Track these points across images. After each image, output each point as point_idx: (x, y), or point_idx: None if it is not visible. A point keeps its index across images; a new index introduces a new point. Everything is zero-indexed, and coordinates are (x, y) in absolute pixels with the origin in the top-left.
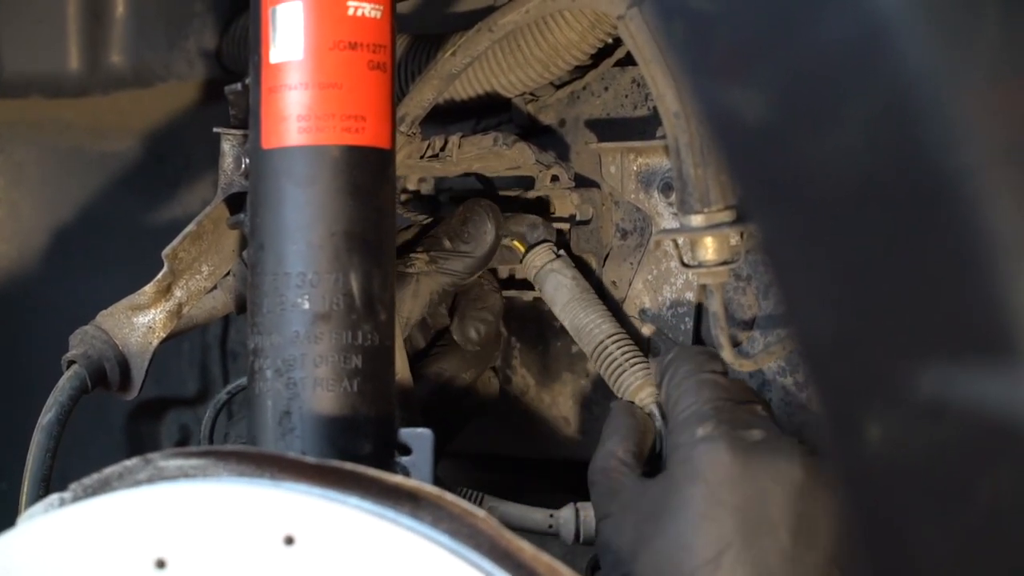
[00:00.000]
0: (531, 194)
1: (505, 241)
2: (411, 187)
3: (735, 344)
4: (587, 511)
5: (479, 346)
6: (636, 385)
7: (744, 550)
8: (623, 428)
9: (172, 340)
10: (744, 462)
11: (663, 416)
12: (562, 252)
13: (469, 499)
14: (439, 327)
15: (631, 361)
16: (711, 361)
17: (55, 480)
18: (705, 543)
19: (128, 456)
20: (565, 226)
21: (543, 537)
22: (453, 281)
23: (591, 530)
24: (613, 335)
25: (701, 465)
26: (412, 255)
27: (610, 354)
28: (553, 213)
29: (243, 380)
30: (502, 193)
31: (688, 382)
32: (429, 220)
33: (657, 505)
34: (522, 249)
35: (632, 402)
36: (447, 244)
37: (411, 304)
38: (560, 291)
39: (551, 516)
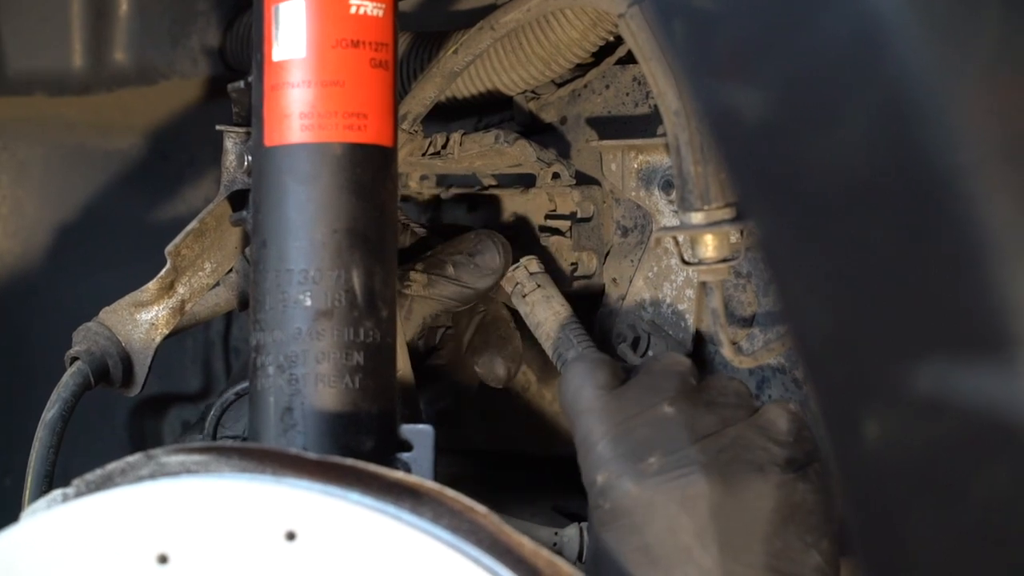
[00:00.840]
0: (531, 191)
1: None
2: (413, 184)
3: (734, 341)
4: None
5: (503, 384)
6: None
7: None
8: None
9: (175, 337)
10: (647, 497)
11: None
12: (534, 268)
13: None
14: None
15: (575, 340)
16: (595, 369)
17: (58, 476)
18: None
19: (131, 452)
20: (566, 223)
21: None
22: (447, 309)
23: None
24: (565, 323)
25: (608, 513)
26: (411, 273)
27: (555, 339)
28: (554, 211)
29: (225, 398)
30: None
31: (580, 416)
32: (424, 233)
33: (590, 553)
34: None
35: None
36: (450, 270)
37: (403, 327)
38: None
39: (556, 534)
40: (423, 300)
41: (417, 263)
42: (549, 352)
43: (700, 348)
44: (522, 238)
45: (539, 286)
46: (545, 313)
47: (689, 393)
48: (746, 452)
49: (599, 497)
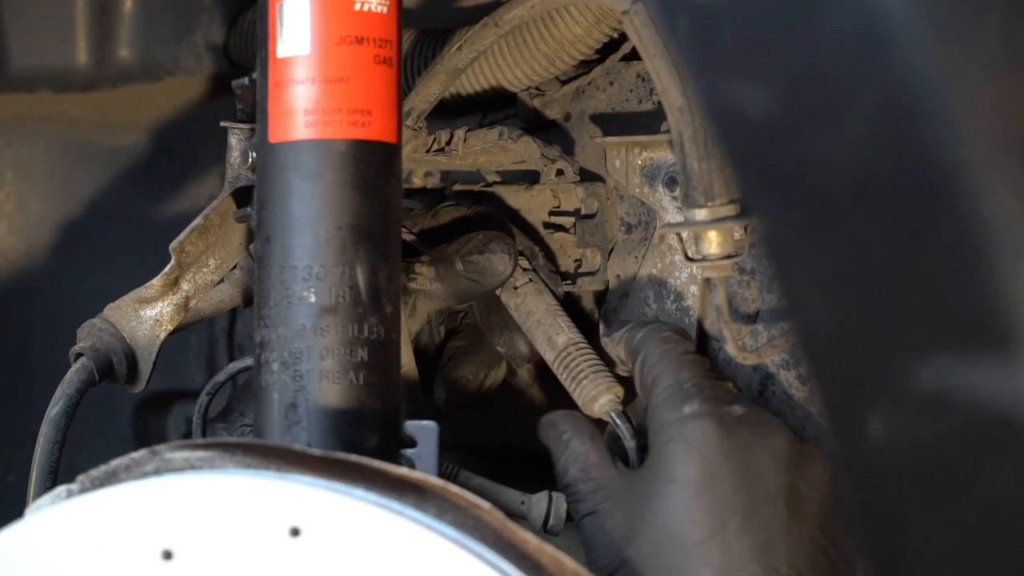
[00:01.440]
0: (535, 188)
1: None
2: (417, 181)
3: (738, 338)
4: (561, 501)
5: (527, 362)
6: (597, 391)
7: (747, 520)
8: (580, 431)
9: (179, 333)
10: (735, 436)
11: (627, 419)
12: (526, 267)
13: (444, 470)
14: (450, 329)
15: (592, 367)
16: (683, 340)
17: (62, 472)
18: (707, 515)
19: (135, 448)
20: (570, 220)
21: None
22: (450, 306)
23: (561, 520)
24: (575, 343)
25: (693, 440)
26: (417, 266)
27: (571, 361)
28: (558, 207)
29: (217, 378)
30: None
31: (664, 362)
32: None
33: (650, 485)
34: None
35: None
36: (459, 266)
37: (407, 324)
38: (525, 305)
39: (524, 496)
40: (427, 296)
41: (423, 256)
42: (540, 347)
43: (704, 345)
44: (526, 234)
45: (531, 280)
46: (538, 303)
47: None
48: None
49: (685, 425)
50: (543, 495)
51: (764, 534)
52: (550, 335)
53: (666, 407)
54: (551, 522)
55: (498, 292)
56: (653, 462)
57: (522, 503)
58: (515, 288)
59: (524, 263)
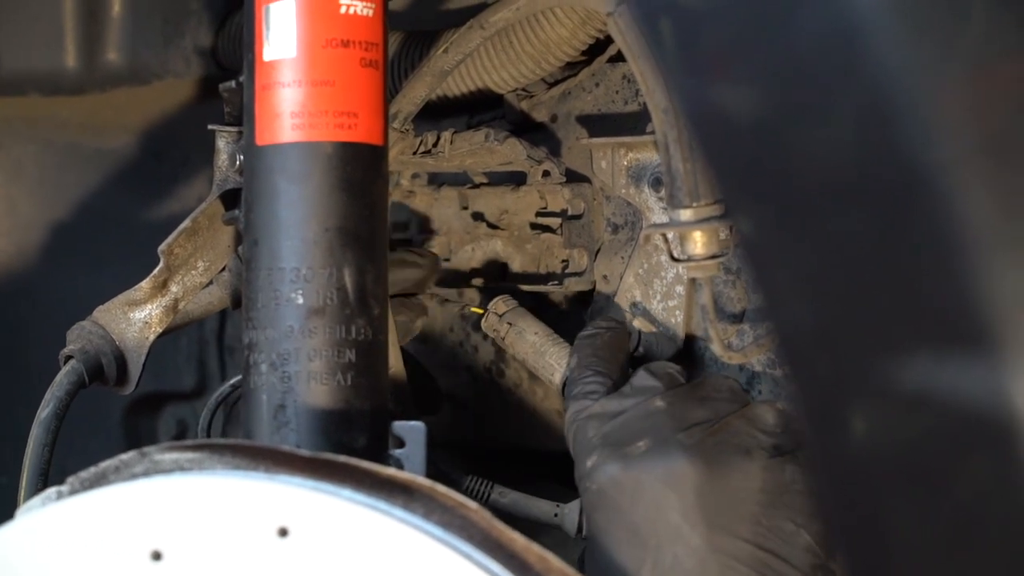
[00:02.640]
0: (522, 189)
1: (465, 311)
2: (404, 183)
3: (724, 338)
4: None
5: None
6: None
7: (657, 562)
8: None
9: (169, 335)
10: (634, 477)
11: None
12: (501, 309)
13: (478, 488)
14: None
15: (552, 347)
16: (594, 390)
17: (53, 474)
18: (622, 566)
19: (126, 450)
20: (557, 221)
21: (537, 528)
22: None
23: None
24: (543, 351)
25: (596, 494)
26: None
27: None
28: (545, 208)
29: (223, 389)
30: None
31: (576, 423)
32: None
33: (586, 533)
34: (480, 311)
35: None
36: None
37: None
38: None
39: (558, 507)
40: None
41: None
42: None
43: (690, 344)
44: (513, 235)
45: (511, 324)
46: (524, 348)
47: (680, 389)
48: (733, 437)
49: (587, 480)
50: (575, 504)
51: (680, 572)
52: (548, 378)
53: (577, 461)
54: (585, 530)
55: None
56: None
57: (555, 515)
58: (503, 340)
59: (500, 308)
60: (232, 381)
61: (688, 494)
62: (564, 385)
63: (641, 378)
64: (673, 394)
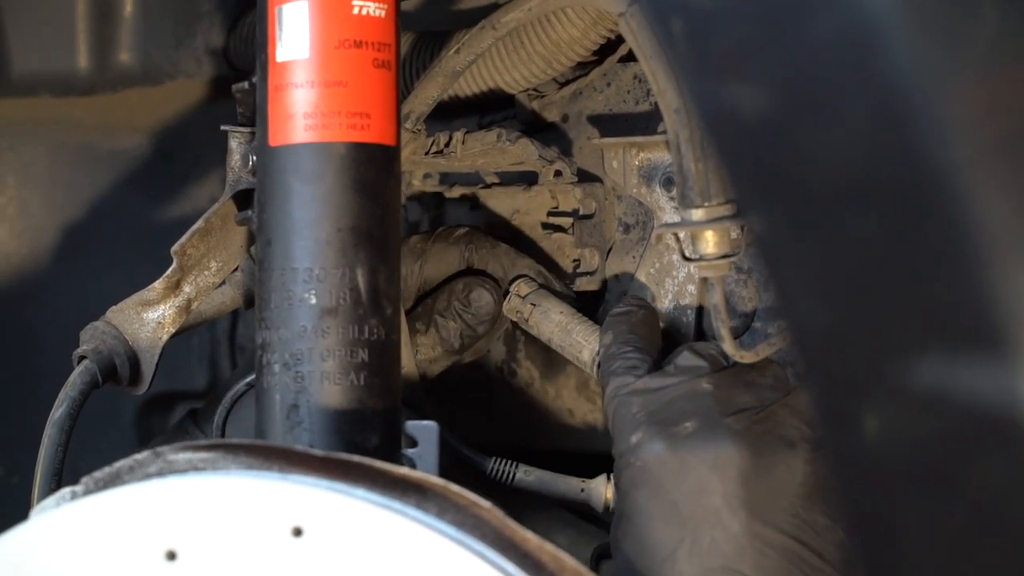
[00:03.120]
0: (533, 189)
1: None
2: (416, 183)
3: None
4: None
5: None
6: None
7: (695, 543)
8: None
9: (181, 335)
10: (680, 457)
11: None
12: (524, 291)
13: (503, 468)
14: None
15: (579, 325)
16: (635, 366)
17: (66, 474)
18: (658, 543)
19: (137, 450)
20: (568, 220)
21: (550, 527)
22: (454, 361)
23: None
24: (570, 328)
25: (638, 470)
26: (416, 337)
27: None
28: (557, 208)
29: (237, 388)
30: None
31: (618, 398)
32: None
33: (618, 513)
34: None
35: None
36: (452, 326)
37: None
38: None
39: (583, 483)
40: (434, 361)
41: (416, 322)
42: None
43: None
44: (525, 235)
45: (534, 305)
46: (549, 327)
47: (726, 372)
48: (778, 428)
49: (631, 455)
50: (601, 479)
51: (717, 555)
52: (575, 355)
53: (619, 439)
54: (616, 506)
55: (514, 317)
56: (617, 491)
57: (582, 490)
58: (527, 321)
59: (523, 289)
60: (248, 379)
61: (732, 480)
62: (596, 363)
63: (686, 358)
64: (719, 376)
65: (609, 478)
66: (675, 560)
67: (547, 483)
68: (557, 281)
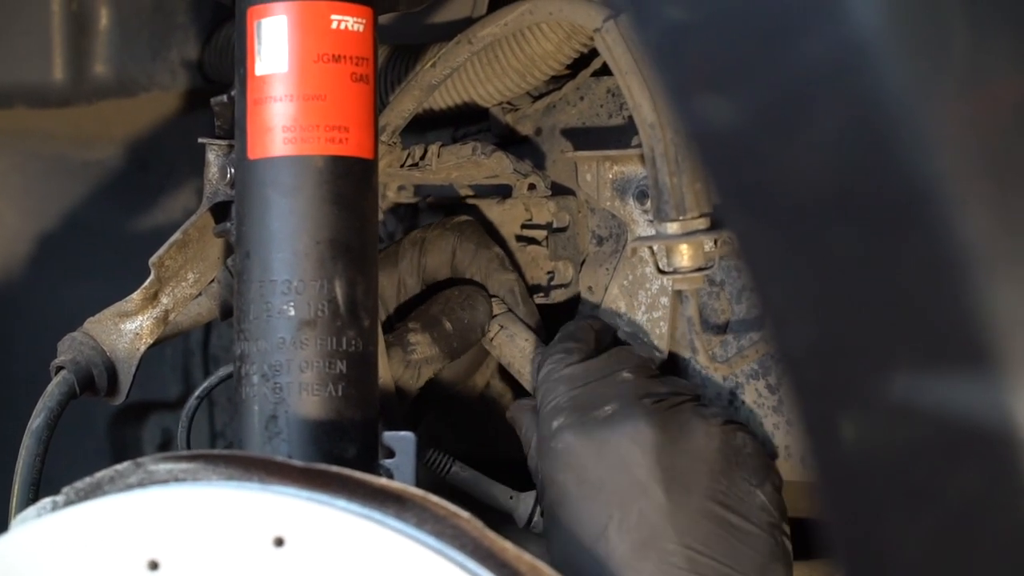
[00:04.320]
0: (507, 202)
1: None
2: (391, 195)
3: (709, 349)
4: None
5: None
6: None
7: (623, 518)
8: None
9: (155, 346)
10: (600, 438)
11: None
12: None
13: (440, 460)
14: None
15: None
16: (569, 353)
17: (41, 483)
18: (588, 524)
19: (112, 460)
20: (542, 233)
21: (527, 538)
22: (446, 364)
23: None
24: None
25: (561, 453)
26: (410, 336)
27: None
28: (530, 220)
29: (209, 382)
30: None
31: (546, 384)
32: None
33: (545, 504)
34: None
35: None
36: (447, 327)
37: (414, 386)
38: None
39: (513, 493)
40: (429, 361)
41: (411, 322)
42: (528, 388)
43: (674, 355)
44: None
45: (501, 327)
46: (511, 352)
47: (647, 370)
48: (692, 408)
49: (553, 440)
50: (532, 494)
51: (646, 527)
52: (531, 384)
53: (543, 426)
54: (535, 520)
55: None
56: (542, 479)
57: (511, 498)
58: (491, 341)
59: (497, 307)
60: (198, 393)
61: (652, 451)
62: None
63: (613, 353)
64: (639, 370)
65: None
66: (607, 538)
67: (479, 483)
68: (524, 305)
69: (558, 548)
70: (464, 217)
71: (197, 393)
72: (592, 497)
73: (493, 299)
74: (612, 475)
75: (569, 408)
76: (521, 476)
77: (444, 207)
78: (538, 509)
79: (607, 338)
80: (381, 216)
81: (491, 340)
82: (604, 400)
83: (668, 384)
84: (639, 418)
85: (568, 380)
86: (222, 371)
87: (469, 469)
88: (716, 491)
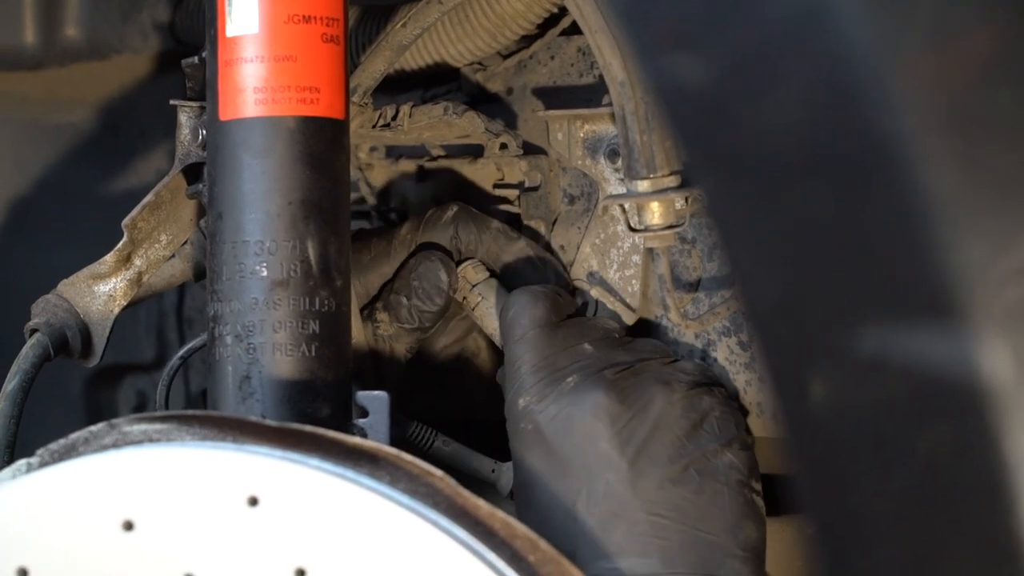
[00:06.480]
0: (479, 161)
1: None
2: (363, 155)
3: (680, 306)
4: None
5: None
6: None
7: (591, 492)
8: None
9: (129, 308)
10: (565, 413)
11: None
12: (472, 278)
13: (423, 434)
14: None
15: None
16: (530, 316)
17: (15, 446)
18: (558, 501)
19: (86, 422)
20: (514, 192)
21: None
22: (419, 336)
23: None
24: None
25: (530, 433)
26: (377, 314)
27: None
28: (502, 180)
29: (194, 343)
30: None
31: (514, 343)
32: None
33: (517, 485)
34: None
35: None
36: (404, 301)
37: (393, 365)
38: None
39: (495, 464)
40: (397, 336)
41: (377, 302)
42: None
43: (646, 313)
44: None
45: (482, 297)
46: (492, 323)
47: (611, 339)
48: (653, 372)
49: (521, 420)
50: (512, 464)
51: (612, 499)
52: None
53: (508, 399)
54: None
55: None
56: (513, 458)
57: (493, 470)
58: (473, 310)
59: (471, 276)
60: (181, 352)
61: (614, 422)
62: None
63: (574, 323)
64: (600, 341)
65: None
66: (575, 514)
67: (462, 456)
68: (545, 266)
69: (529, 521)
70: (454, 208)
71: (180, 353)
72: (560, 474)
73: (469, 263)
74: (577, 449)
75: (533, 384)
76: (502, 436)
77: (415, 170)
78: None
79: (569, 307)
80: (353, 176)
81: (472, 308)
82: (565, 372)
83: (633, 351)
84: (599, 390)
85: (531, 348)
86: (206, 335)
87: (453, 443)
88: (680, 456)
